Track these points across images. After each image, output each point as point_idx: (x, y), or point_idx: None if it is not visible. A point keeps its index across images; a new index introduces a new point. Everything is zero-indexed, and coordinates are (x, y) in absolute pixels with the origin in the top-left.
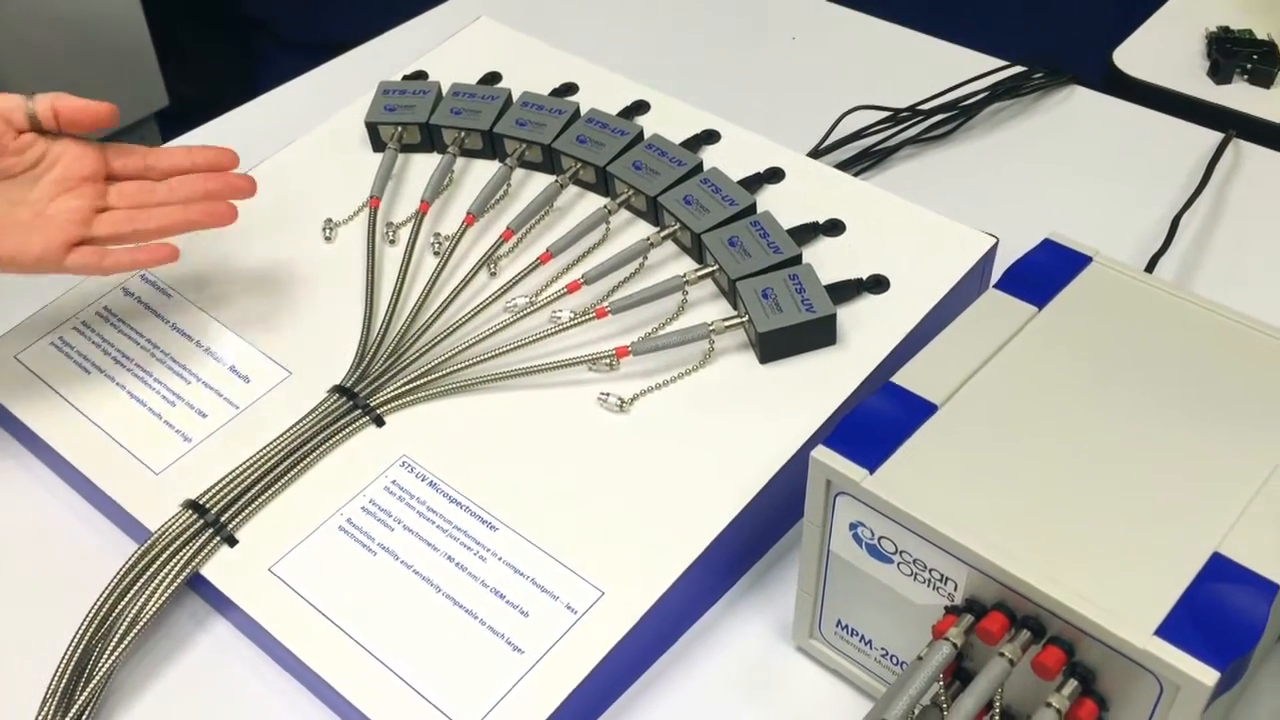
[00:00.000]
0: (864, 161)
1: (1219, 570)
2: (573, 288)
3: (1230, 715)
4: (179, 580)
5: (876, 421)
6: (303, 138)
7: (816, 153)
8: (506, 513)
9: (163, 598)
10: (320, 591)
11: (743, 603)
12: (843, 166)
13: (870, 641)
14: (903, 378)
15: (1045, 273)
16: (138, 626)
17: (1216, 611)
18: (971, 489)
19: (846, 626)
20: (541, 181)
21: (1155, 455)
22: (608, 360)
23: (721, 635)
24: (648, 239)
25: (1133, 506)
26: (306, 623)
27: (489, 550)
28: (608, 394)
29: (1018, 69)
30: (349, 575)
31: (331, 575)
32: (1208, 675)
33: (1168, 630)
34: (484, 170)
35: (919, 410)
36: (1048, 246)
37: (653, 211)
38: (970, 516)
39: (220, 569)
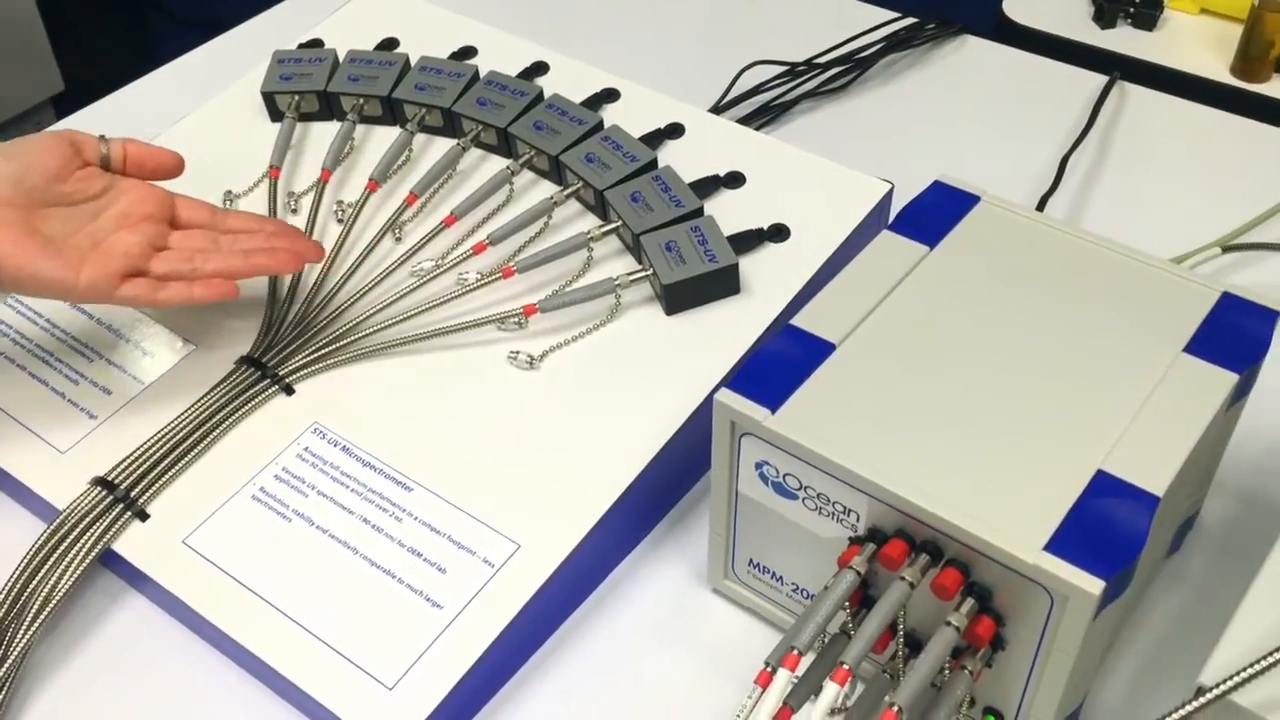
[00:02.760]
0: (764, 116)
1: (1103, 487)
2: (478, 249)
3: (1125, 626)
4: (91, 557)
5: (777, 363)
6: (198, 110)
7: (717, 109)
8: (421, 473)
9: (75, 575)
10: (236, 561)
11: (659, 549)
12: (744, 122)
13: (781, 578)
14: (801, 320)
15: (936, 213)
16: (51, 605)
17: (1101, 525)
18: (869, 423)
19: (758, 565)
20: (443, 145)
21: (1043, 381)
22: (516, 319)
23: (639, 581)
24: (551, 198)
25: (1022, 431)
26: (223, 592)
27: (404, 510)
28: (517, 352)
29: (911, 21)
30: (264, 543)
31: (246, 544)
32: (1094, 585)
33: (1055, 545)
34: (385, 137)
35: (818, 350)
36: (937, 188)
37: (555, 171)
38: (868, 449)
39: (133, 544)
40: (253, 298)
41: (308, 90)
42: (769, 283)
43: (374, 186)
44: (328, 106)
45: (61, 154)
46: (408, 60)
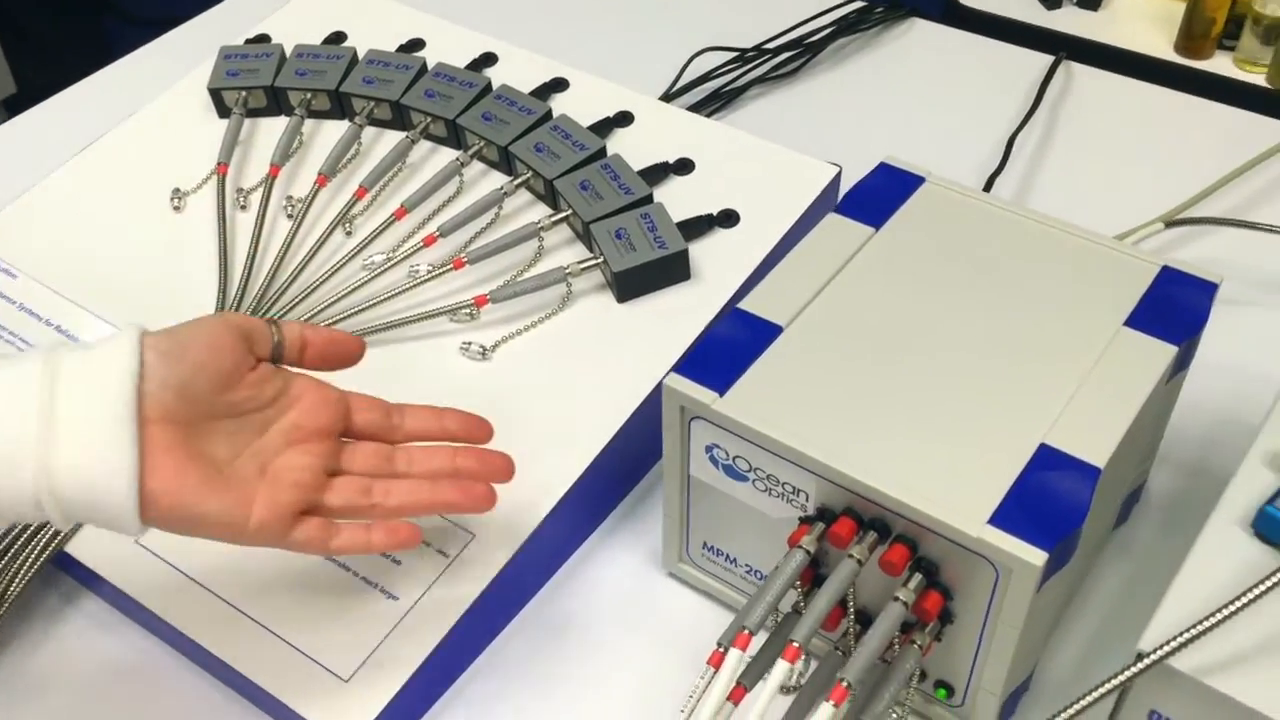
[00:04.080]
0: (715, 103)
1: (1046, 460)
2: (429, 241)
3: (1073, 596)
4: (42, 560)
5: (725, 347)
6: (145, 108)
7: (668, 96)
8: None
9: (27, 578)
10: (190, 558)
11: (615, 534)
12: (695, 109)
13: (735, 560)
14: (749, 303)
15: (881, 195)
16: (3, 608)
17: (1043, 498)
18: (816, 403)
19: (712, 548)
20: (392, 139)
21: (987, 358)
22: (468, 310)
23: (595, 567)
24: (501, 188)
25: (968, 407)
26: (178, 590)
27: None
28: (469, 343)
29: (860, 4)
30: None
31: (201, 542)
32: (1036, 557)
33: (999, 519)
34: (334, 131)
35: (765, 333)
36: (883, 170)
37: (505, 161)
38: (816, 429)
39: (86, 545)
40: (203, 292)
41: (254, 86)
42: (720, 268)
43: (323, 181)
44: (275, 102)
45: (234, 353)
46: (355, 54)
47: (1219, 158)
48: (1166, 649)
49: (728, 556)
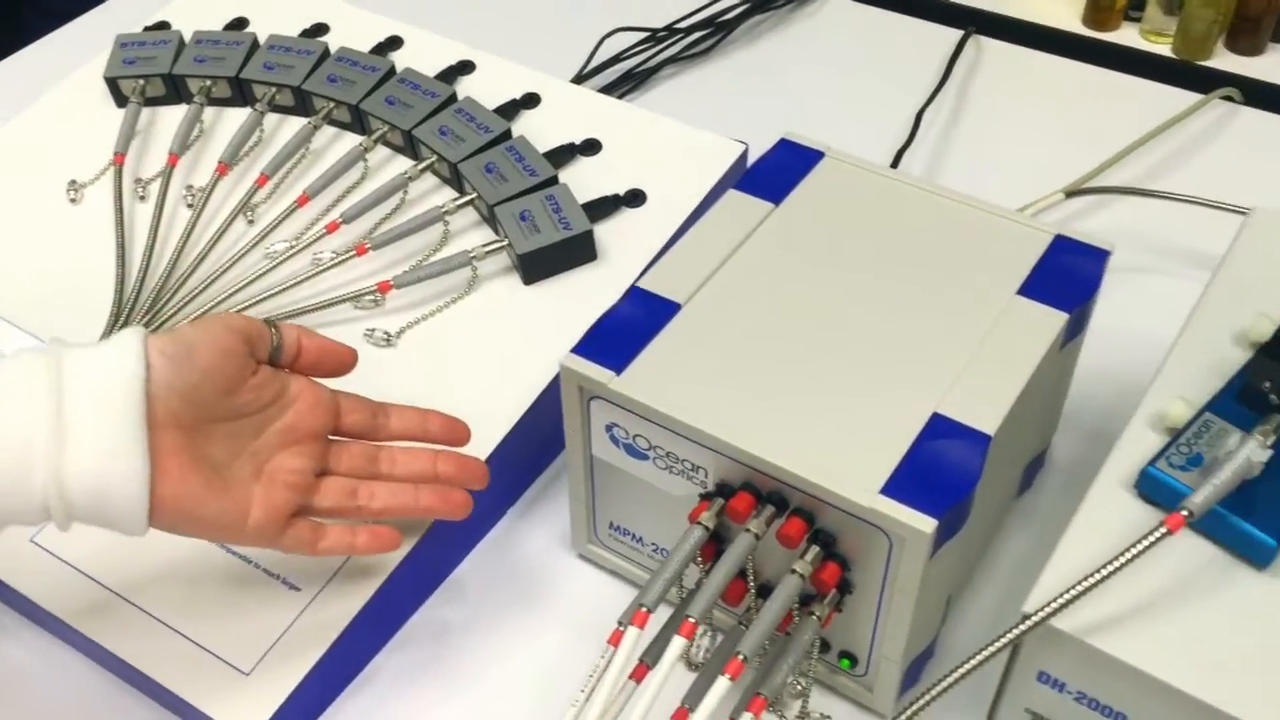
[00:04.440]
0: (628, 84)
1: (938, 429)
2: (331, 228)
3: (977, 564)
4: None
5: (623, 325)
6: (41, 99)
7: (580, 78)
8: None
9: None
10: (86, 556)
11: (526, 517)
12: (607, 90)
13: (641, 539)
14: (647, 281)
15: (781, 171)
16: None
17: (934, 466)
18: (713, 379)
19: (618, 527)
20: (295, 125)
21: (884, 330)
22: (371, 296)
23: (506, 550)
24: (405, 173)
25: (863, 379)
26: (75, 589)
27: None
28: (373, 330)
29: None
30: (117, 537)
31: (97, 539)
32: (926, 524)
33: (891, 488)
34: (235, 119)
35: (663, 311)
36: (783, 146)
37: (410, 146)
38: (712, 405)
39: None
40: (101, 284)
41: (152, 74)
42: (626, 248)
43: (224, 169)
44: (175, 90)
45: (238, 357)
46: (255, 39)
47: (1126, 128)
48: (1047, 611)
49: (634, 536)
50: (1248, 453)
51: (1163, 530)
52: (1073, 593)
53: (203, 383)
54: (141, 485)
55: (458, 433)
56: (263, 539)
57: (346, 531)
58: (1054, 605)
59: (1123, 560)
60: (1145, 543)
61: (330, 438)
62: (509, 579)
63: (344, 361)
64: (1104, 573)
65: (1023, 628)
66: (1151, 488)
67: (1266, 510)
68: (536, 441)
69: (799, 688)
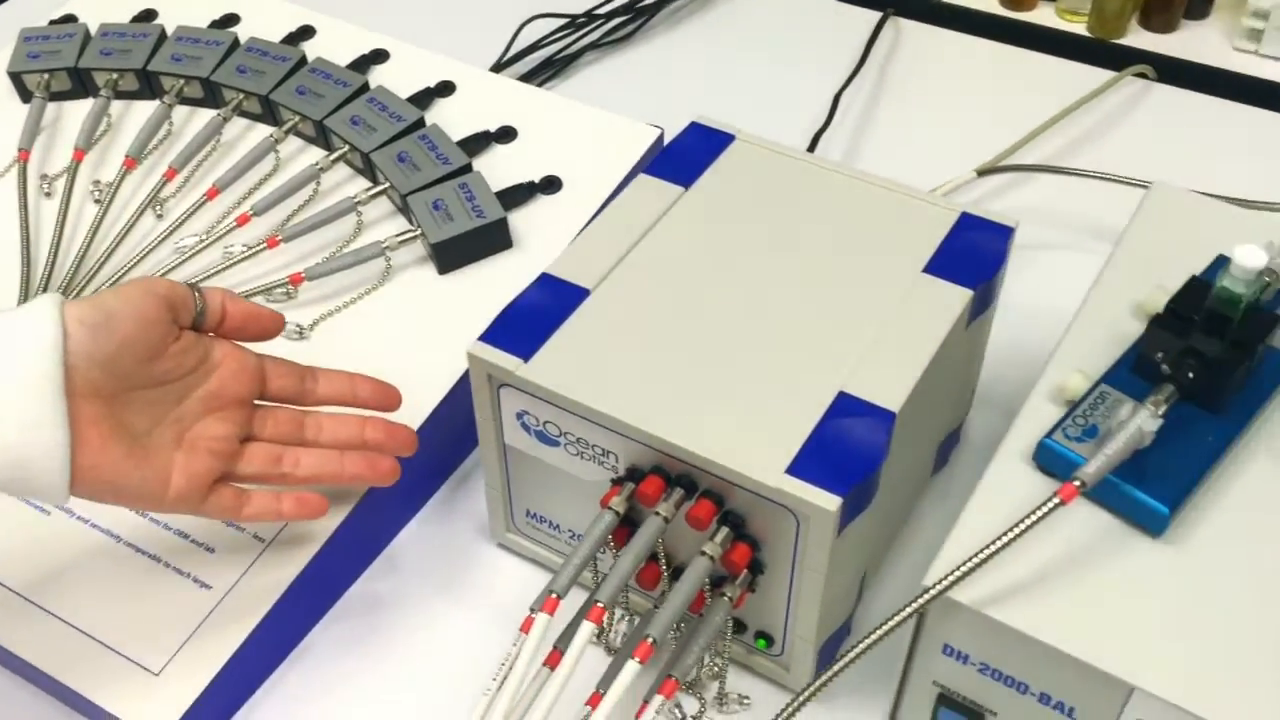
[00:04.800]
0: (548, 71)
1: (844, 407)
2: (241, 221)
3: (893, 541)
4: None
5: (530, 312)
6: None
7: (499, 66)
8: None
9: None
10: None
11: (445, 508)
12: (528, 77)
13: (558, 525)
14: (556, 267)
15: (691, 155)
16: None
17: (839, 444)
18: (621, 364)
19: (535, 515)
20: (206, 117)
21: (792, 312)
22: (284, 289)
23: (425, 543)
24: (316, 164)
25: (771, 360)
26: None
27: None
28: (286, 322)
29: None
30: (22, 538)
31: (3, 541)
32: (831, 502)
33: (797, 468)
34: (144, 112)
35: (571, 297)
36: (694, 130)
37: (322, 136)
38: (620, 390)
39: None
40: (4, 282)
41: (57, 68)
42: (543, 235)
43: (131, 164)
44: (81, 84)
45: (160, 324)
46: (163, 31)
47: (1043, 107)
48: (943, 584)
49: (551, 523)
50: (1139, 423)
51: (1056, 501)
52: (968, 565)
53: (121, 351)
54: (62, 456)
55: (388, 397)
56: (184, 506)
57: (272, 498)
58: (951, 578)
59: (1016, 531)
60: (1039, 514)
61: (257, 403)
62: (429, 571)
63: (269, 326)
64: (998, 544)
65: (920, 601)
66: (1048, 459)
67: (1159, 478)
68: (454, 432)
69: (715, 669)
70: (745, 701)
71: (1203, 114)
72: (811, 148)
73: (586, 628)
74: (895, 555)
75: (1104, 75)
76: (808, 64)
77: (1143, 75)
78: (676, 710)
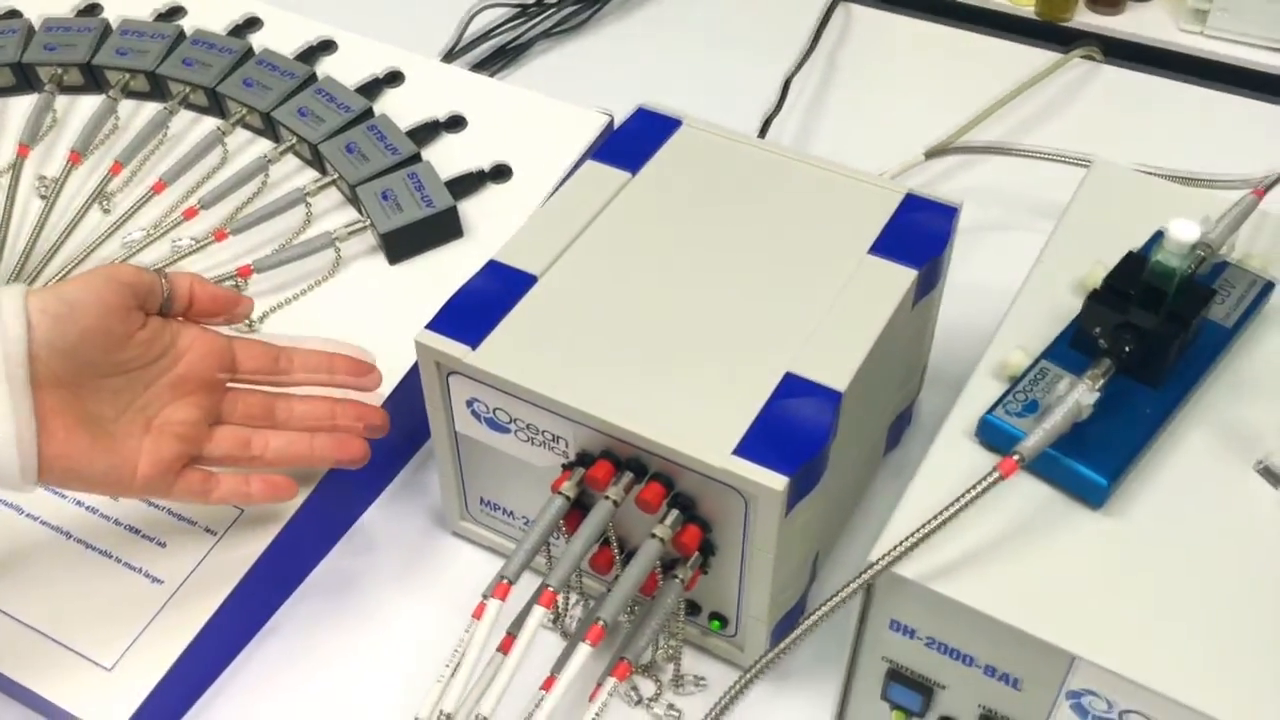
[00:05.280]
0: (500, 60)
1: (790, 388)
2: (189, 214)
3: (847, 521)
4: None
5: (478, 299)
6: None
7: (450, 55)
8: None
9: None
10: None
11: (400, 498)
12: (480, 66)
13: (512, 512)
14: (504, 255)
15: (638, 141)
16: None
17: (785, 425)
18: (569, 350)
19: (489, 502)
20: (152, 111)
21: (740, 295)
22: (232, 281)
23: (380, 533)
24: (264, 156)
25: (718, 343)
26: None
27: None
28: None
29: None
30: None
31: None
32: (778, 482)
33: (744, 448)
34: (89, 106)
35: (519, 284)
36: (641, 115)
37: (270, 128)
38: (568, 375)
39: None
40: None
41: (0, 63)
42: (493, 223)
43: (77, 159)
44: (25, 79)
45: (124, 313)
46: (108, 24)
47: (992, 88)
48: (887, 559)
49: (504, 510)
50: (1077, 396)
51: (995, 475)
52: (910, 541)
53: (86, 341)
54: (29, 446)
55: (367, 376)
56: (153, 491)
57: (240, 481)
58: (893, 554)
59: (958, 506)
60: (979, 488)
61: (230, 385)
62: (384, 562)
63: (238, 309)
64: (939, 519)
65: (863, 577)
66: (990, 435)
67: (1098, 451)
68: (408, 421)
69: (671, 651)
70: (701, 683)
71: (1150, 93)
72: (762, 132)
73: (538, 612)
74: (849, 535)
75: (1053, 56)
76: (760, 49)
77: (1090, 56)
78: (633, 692)
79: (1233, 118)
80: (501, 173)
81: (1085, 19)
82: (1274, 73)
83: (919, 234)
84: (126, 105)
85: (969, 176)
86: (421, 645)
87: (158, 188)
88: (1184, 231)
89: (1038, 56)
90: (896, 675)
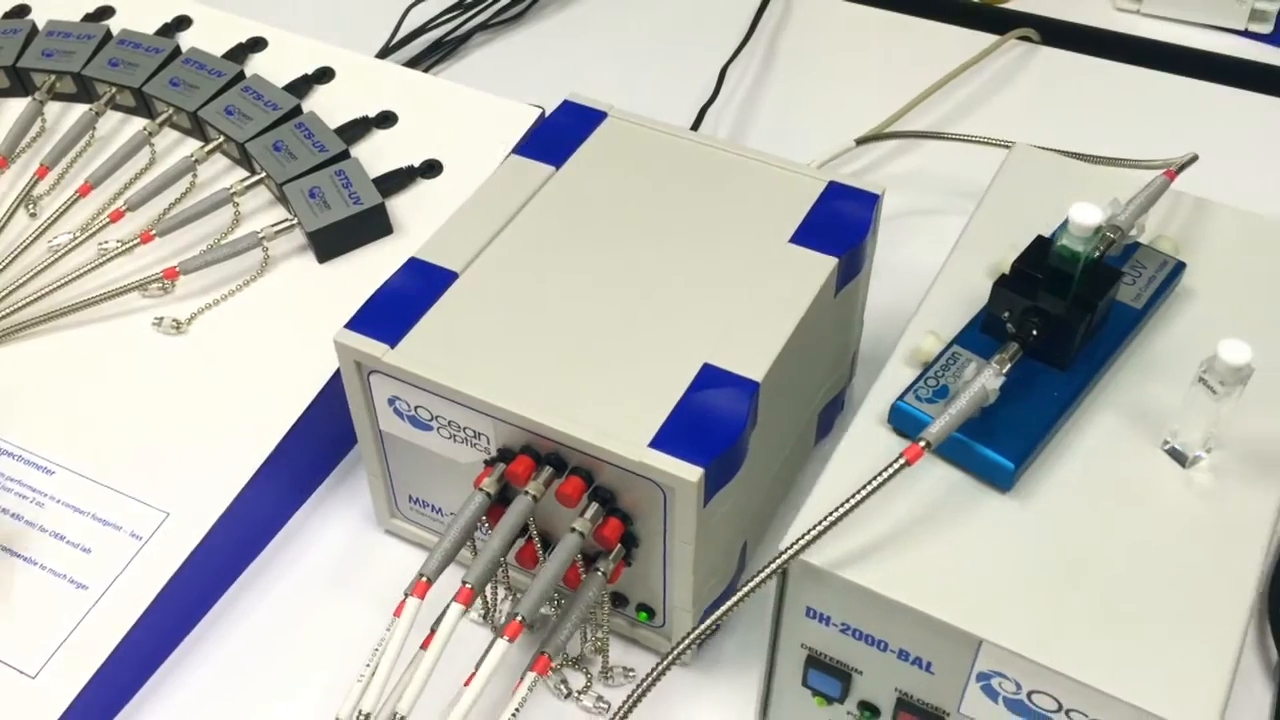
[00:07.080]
0: (437, 54)
1: (708, 379)
2: (115, 216)
3: (776, 510)
4: None
5: (397, 297)
6: None
7: (386, 51)
8: (63, 455)
9: None
10: None
11: (332, 499)
12: (416, 61)
13: (440, 509)
14: (424, 251)
15: (563, 133)
16: None
17: (702, 416)
18: (488, 346)
19: (418, 500)
20: (79, 113)
21: (661, 287)
22: (158, 283)
23: (311, 534)
24: (191, 156)
25: (639, 337)
26: None
27: (45, 495)
28: (161, 318)
29: None
30: None
31: None
32: (692, 473)
33: (660, 441)
34: (15, 109)
35: (439, 280)
36: (566, 108)
37: (198, 128)
38: (486, 371)
39: None
40: None
41: None
42: (424, 219)
43: (3, 163)
44: None
45: None
46: (34, 26)
47: (930, 73)
48: (795, 548)
49: (433, 507)
50: (983, 381)
51: (901, 461)
52: (817, 529)
53: None
54: None
55: None
56: None
57: None
58: (801, 542)
59: (865, 492)
60: (885, 475)
61: None
62: (316, 562)
63: None
64: (846, 507)
65: (772, 566)
66: (901, 421)
67: (1005, 435)
68: (338, 421)
69: (598, 643)
70: (630, 674)
71: (1086, 75)
72: (697, 122)
73: (455, 609)
74: (779, 523)
75: (990, 39)
76: (698, 38)
77: (1027, 38)
78: (563, 686)
79: (1168, 99)
80: (432, 168)
81: (1023, 3)
82: (1209, 52)
83: (840, 222)
84: (53, 108)
85: (902, 163)
86: (352, 645)
87: (84, 190)
88: (1086, 215)
89: (976, 40)
90: (815, 662)
